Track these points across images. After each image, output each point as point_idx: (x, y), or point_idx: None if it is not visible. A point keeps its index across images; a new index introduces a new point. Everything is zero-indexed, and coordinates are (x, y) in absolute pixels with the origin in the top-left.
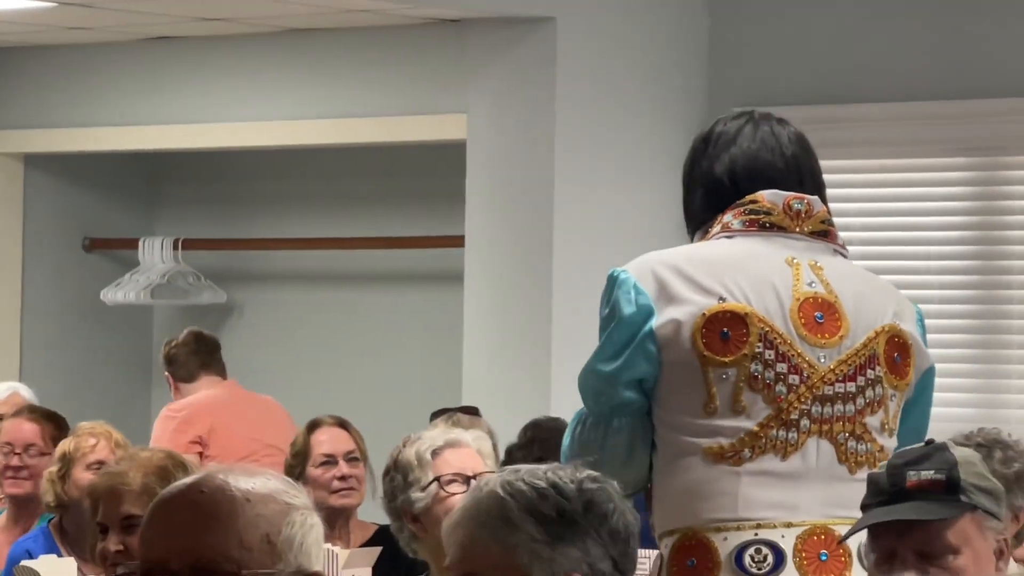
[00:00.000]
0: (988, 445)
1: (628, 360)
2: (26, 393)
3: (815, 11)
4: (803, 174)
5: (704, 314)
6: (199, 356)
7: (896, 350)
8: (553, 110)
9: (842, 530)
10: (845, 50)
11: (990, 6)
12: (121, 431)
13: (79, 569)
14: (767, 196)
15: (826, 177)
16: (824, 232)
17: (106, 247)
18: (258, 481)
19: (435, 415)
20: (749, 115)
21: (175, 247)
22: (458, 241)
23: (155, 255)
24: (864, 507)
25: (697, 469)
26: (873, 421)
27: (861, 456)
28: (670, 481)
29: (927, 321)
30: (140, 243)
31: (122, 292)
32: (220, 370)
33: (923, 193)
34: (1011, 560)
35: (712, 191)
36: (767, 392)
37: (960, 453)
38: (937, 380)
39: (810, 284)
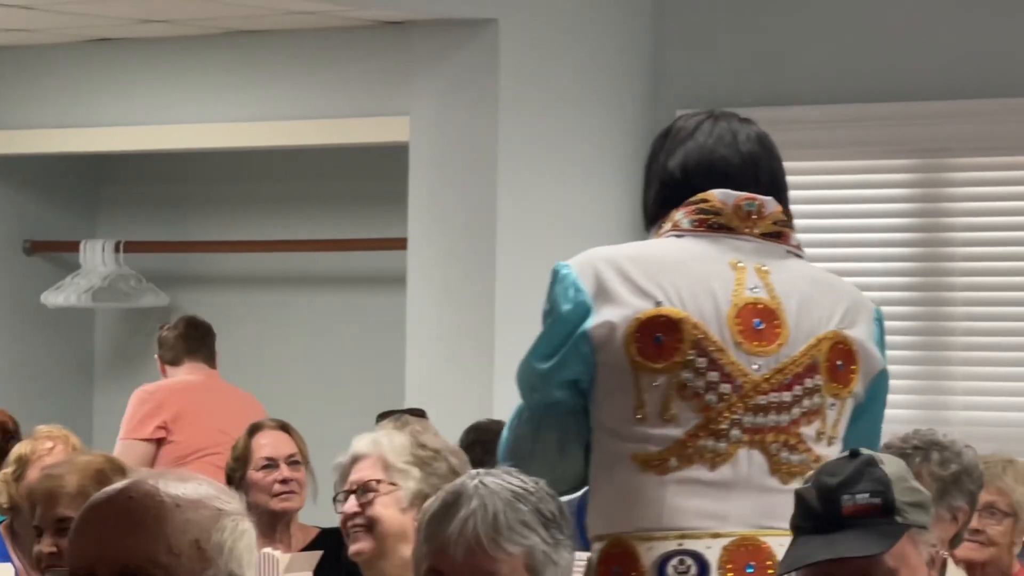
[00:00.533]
0: (925, 447)
1: (562, 359)
2: None
3: (759, 14)
4: (760, 173)
5: (638, 318)
6: (186, 341)
7: (839, 357)
8: (496, 112)
9: (771, 542)
10: (788, 52)
11: (933, 9)
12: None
13: (20, 572)
14: (718, 195)
15: None
16: (777, 233)
17: (47, 250)
18: (189, 486)
19: (381, 417)
20: (711, 112)
21: (117, 250)
22: (401, 243)
23: (96, 258)
24: (795, 528)
25: (626, 476)
26: (809, 431)
27: (795, 466)
28: (602, 486)
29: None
30: (81, 246)
31: (63, 295)
32: (207, 357)
33: (866, 195)
34: (950, 563)
35: (665, 186)
36: (697, 401)
37: (890, 468)
38: None
39: (752, 289)
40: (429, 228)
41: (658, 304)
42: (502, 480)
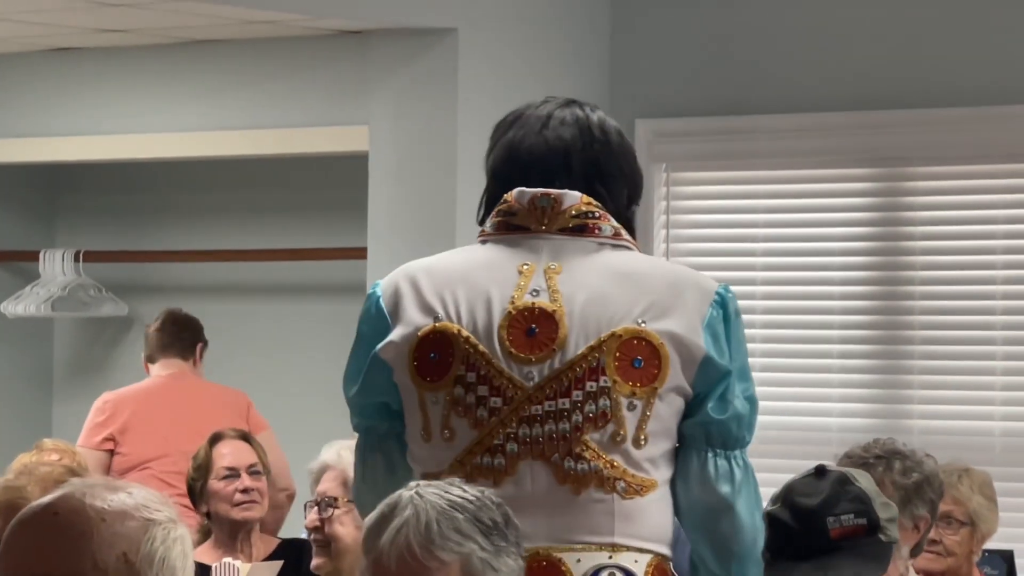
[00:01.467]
0: (887, 456)
1: (364, 383)
2: None
3: (717, 23)
4: (572, 161)
5: (418, 336)
6: (161, 337)
7: (636, 354)
8: (455, 121)
9: (567, 557)
10: (747, 62)
11: (891, 19)
12: (22, 445)
13: None
14: (515, 194)
15: (729, 188)
16: (580, 227)
17: (6, 259)
18: (117, 497)
19: None
20: (547, 99)
21: (76, 259)
22: (360, 253)
23: (56, 267)
24: (775, 551)
25: None
26: (598, 436)
27: (584, 475)
28: None
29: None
30: (41, 255)
31: (22, 305)
32: (181, 351)
33: (825, 204)
34: (912, 572)
35: (487, 187)
36: (470, 417)
37: (864, 484)
38: (838, 390)
39: (534, 293)
40: (388, 238)
41: (436, 319)
42: (439, 490)
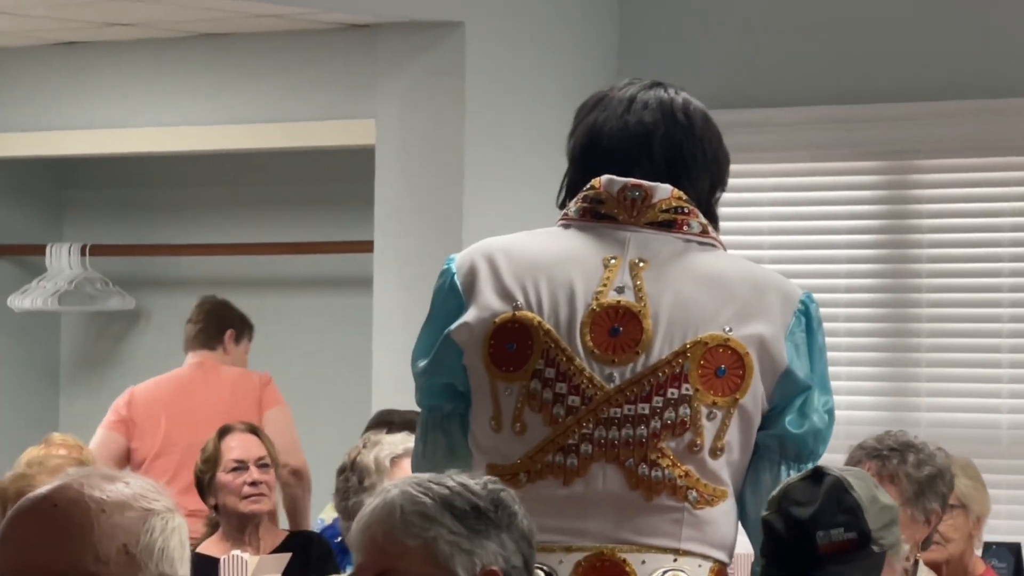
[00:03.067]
0: (900, 449)
1: (434, 360)
2: None
3: (726, 16)
4: (654, 146)
5: (495, 322)
6: (189, 329)
7: (721, 362)
8: (462, 114)
9: (631, 557)
10: (755, 54)
11: (901, 12)
12: (29, 439)
13: None
14: (603, 182)
15: (735, 182)
16: (669, 223)
17: (12, 253)
18: (115, 487)
19: (381, 415)
20: (632, 80)
21: (83, 253)
22: (367, 246)
23: (62, 261)
24: (769, 558)
25: None
26: (674, 444)
27: (657, 482)
28: None
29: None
30: (47, 249)
31: (29, 299)
32: (207, 341)
33: (833, 197)
34: (921, 566)
35: (568, 169)
36: (545, 414)
37: (859, 491)
38: (845, 383)
39: (619, 289)
40: (395, 231)
41: (516, 307)
42: (418, 480)
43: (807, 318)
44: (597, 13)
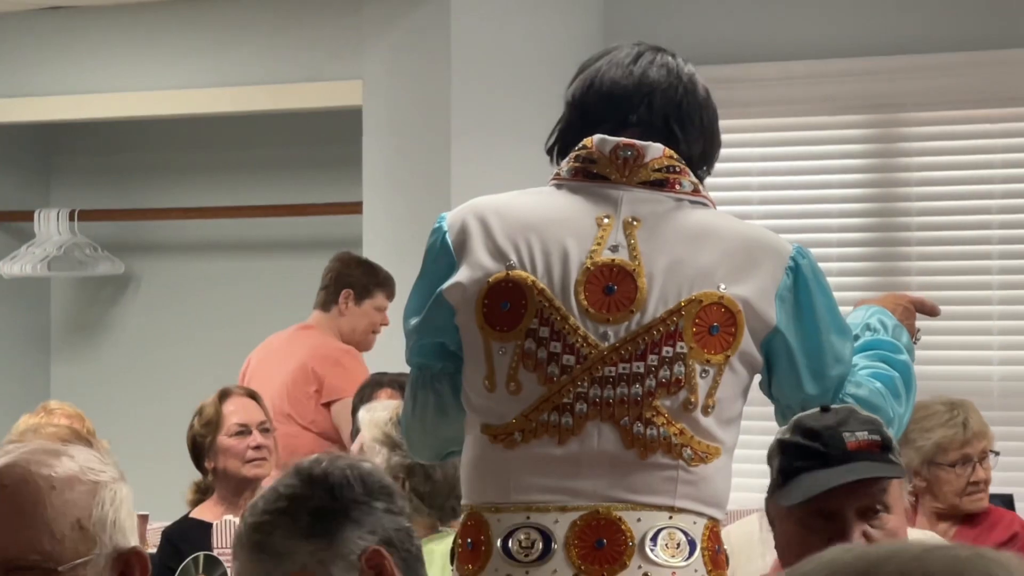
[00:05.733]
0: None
1: (425, 318)
2: None
3: None
4: (654, 100)
5: (489, 282)
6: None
7: (715, 320)
8: (449, 75)
9: (627, 515)
10: (739, 9)
11: None
12: (21, 406)
13: None
14: (595, 141)
15: (725, 137)
16: (661, 181)
17: (1, 220)
18: (61, 463)
19: (372, 377)
20: (638, 43)
21: (71, 218)
22: (356, 208)
23: (51, 227)
24: (793, 470)
25: (478, 446)
26: (669, 402)
27: (652, 441)
28: (464, 455)
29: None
30: (35, 215)
31: (18, 265)
32: (323, 302)
33: (821, 152)
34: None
35: (562, 121)
36: (540, 372)
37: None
38: None
39: (613, 248)
40: (384, 192)
41: (509, 266)
42: (251, 511)
43: (796, 274)
44: None
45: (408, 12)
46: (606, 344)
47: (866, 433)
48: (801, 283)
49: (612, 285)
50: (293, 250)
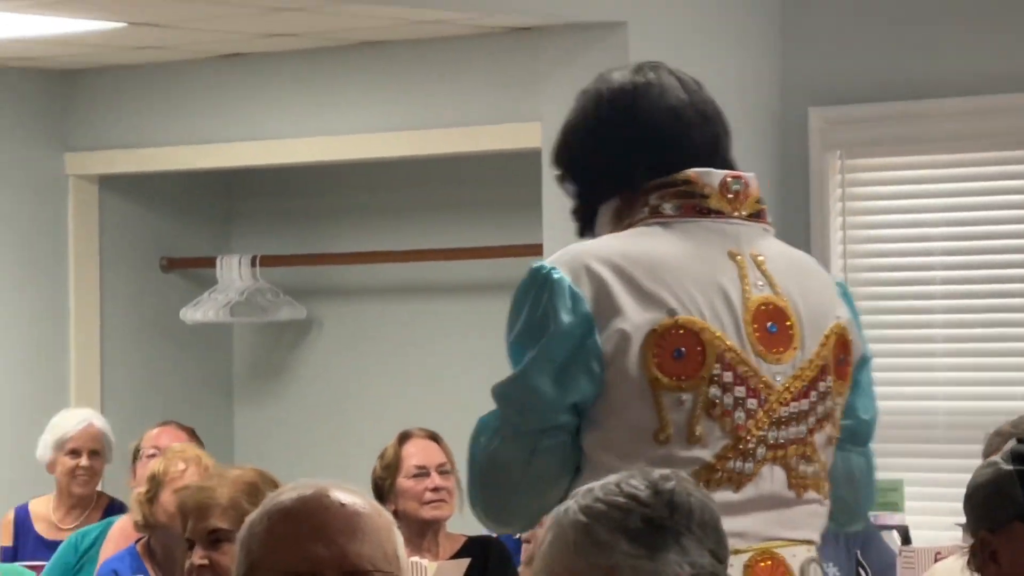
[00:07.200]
0: None
1: (571, 381)
2: (99, 423)
3: (888, 7)
4: (725, 121)
5: (655, 330)
6: None
7: (841, 352)
8: None
9: (784, 552)
10: (921, 45)
11: None
12: (206, 450)
13: None
14: (700, 175)
15: (905, 174)
16: (758, 212)
17: (183, 266)
18: (361, 497)
19: None
20: (641, 66)
21: (253, 264)
22: (536, 250)
23: (233, 273)
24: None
25: None
26: (820, 438)
27: (808, 479)
28: None
29: None
30: (217, 261)
31: (201, 311)
32: None
33: (1005, 187)
34: None
35: (622, 157)
36: (726, 420)
37: None
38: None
39: (759, 286)
40: (564, 234)
41: (672, 313)
42: (586, 500)
43: (846, 297)
44: (759, 8)
45: (585, 52)
46: (779, 384)
47: None
48: (853, 306)
49: (772, 324)
50: (473, 293)
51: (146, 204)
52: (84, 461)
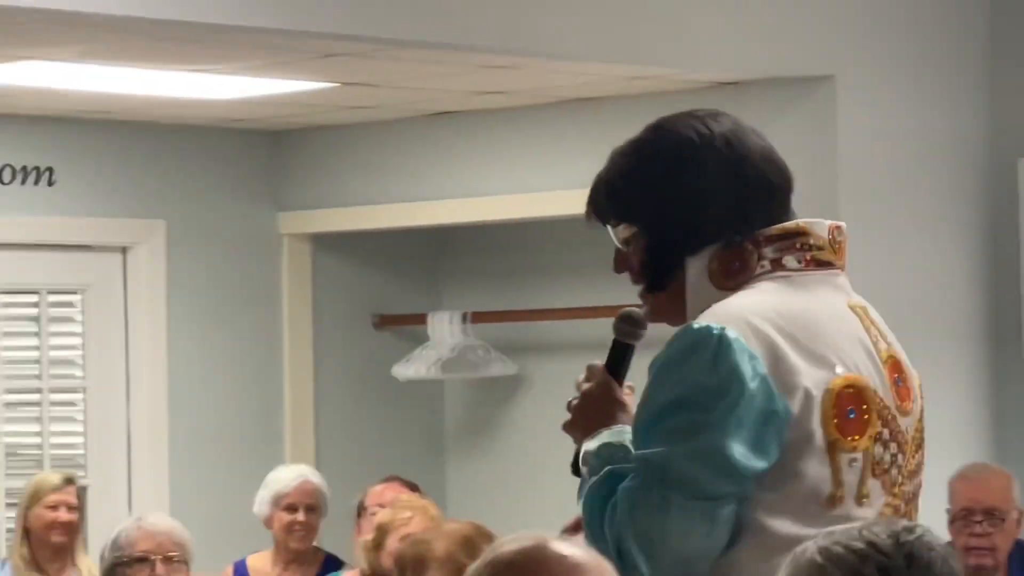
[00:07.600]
0: None
1: (765, 446)
2: (316, 479)
3: None
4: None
5: (830, 389)
6: None
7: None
8: (835, 170)
9: None
10: None
11: None
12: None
13: None
14: (811, 225)
15: None
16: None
17: (395, 323)
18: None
19: None
20: (705, 114)
21: (463, 320)
22: None
23: (444, 329)
24: None
25: None
26: (914, 488)
27: None
28: None
29: None
30: (428, 318)
31: (413, 367)
32: None
33: None
34: None
35: (732, 210)
36: (886, 477)
37: None
38: None
39: (883, 339)
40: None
41: (836, 371)
42: (829, 543)
43: None
44: (967, 59)
45: (792, 106)
46: (908, 437)
47: None
48: None
49: (898, 377)
50: None
51: (358, 262)
52: (301, 516)
